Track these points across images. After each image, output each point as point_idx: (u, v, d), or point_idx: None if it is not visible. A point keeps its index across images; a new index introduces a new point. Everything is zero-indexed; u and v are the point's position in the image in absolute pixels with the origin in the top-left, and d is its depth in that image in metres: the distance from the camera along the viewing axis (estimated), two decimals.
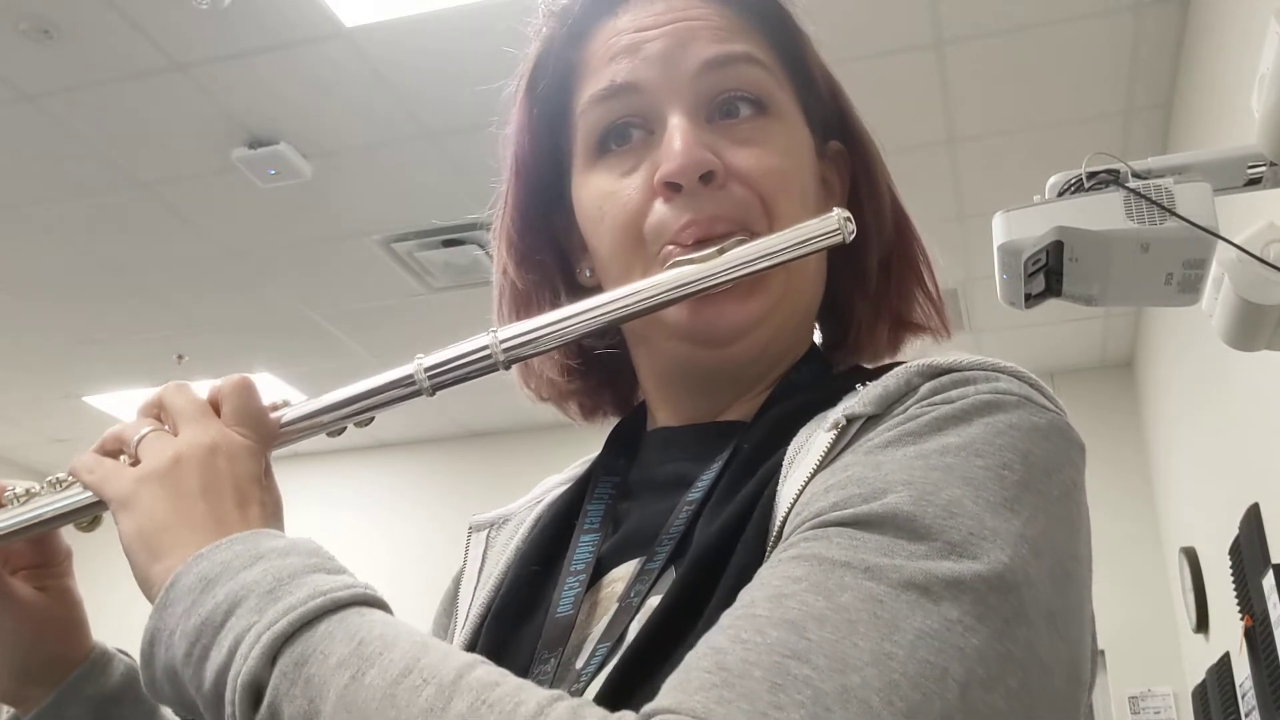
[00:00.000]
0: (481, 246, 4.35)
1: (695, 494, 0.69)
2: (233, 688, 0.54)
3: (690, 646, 0.53)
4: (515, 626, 0.72)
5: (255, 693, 0.54)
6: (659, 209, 0.72)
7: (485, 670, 0.53)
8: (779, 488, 0.62)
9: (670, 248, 0.71)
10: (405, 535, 6.29)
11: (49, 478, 0.72)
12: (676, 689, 0.50)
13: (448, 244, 4.39)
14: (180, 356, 5.31)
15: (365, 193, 4.12)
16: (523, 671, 0.66)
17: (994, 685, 0.51)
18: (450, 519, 5.93)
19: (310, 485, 6.12)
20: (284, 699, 0.53)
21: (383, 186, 4.08)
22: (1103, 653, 5.16)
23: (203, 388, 0.71)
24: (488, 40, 3.48)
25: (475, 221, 4.43)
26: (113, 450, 0.69)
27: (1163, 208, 1.43)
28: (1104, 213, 1.45)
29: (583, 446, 0.86)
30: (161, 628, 0.59)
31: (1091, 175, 1.48)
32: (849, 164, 0.81)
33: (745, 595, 0.54)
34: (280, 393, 0.74)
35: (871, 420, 0.62)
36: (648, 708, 0.49)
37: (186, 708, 0.59)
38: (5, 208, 4.13)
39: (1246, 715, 3.31)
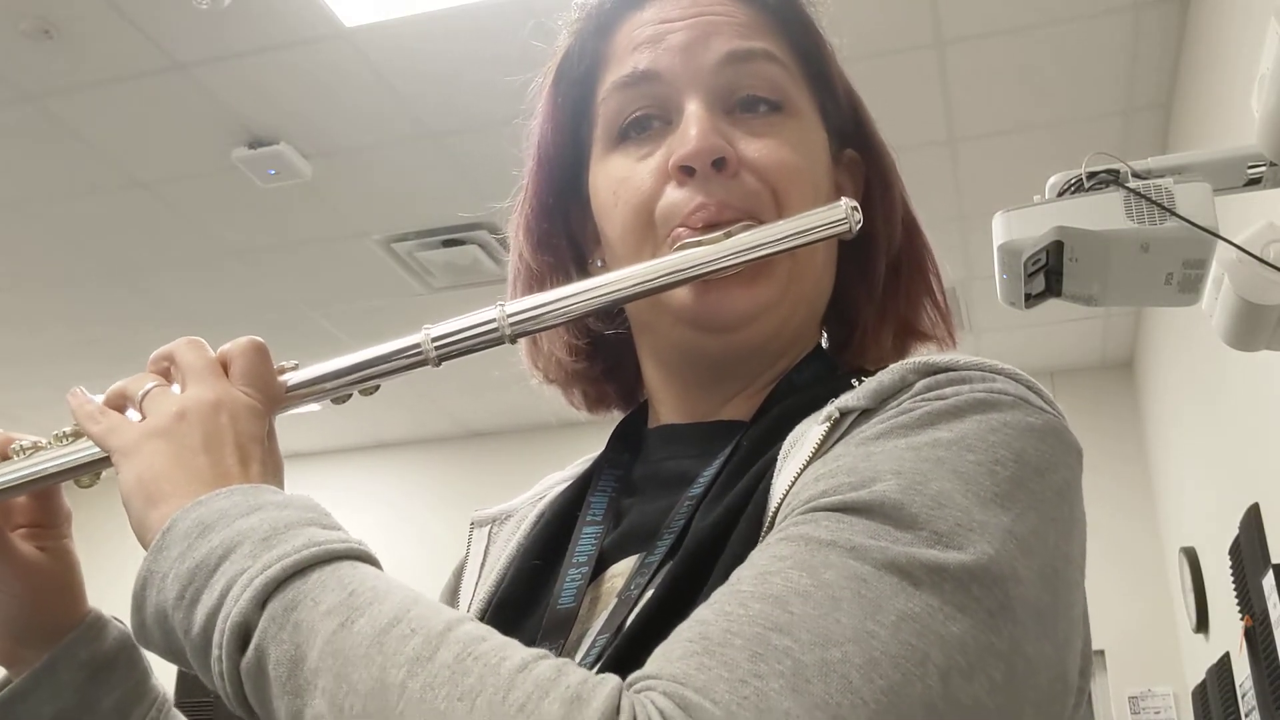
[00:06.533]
0: (482, 246, 4.35)
1: (696, 489, 0.69)
2: (221, 629, 0.54)
3: None
4: (517, 619, 0.73)
5: (243, 635, 0.54)
6: (671, 192, 0.73)
7: (474, 625, 0.53)
8: (773, 479, 0.62)
9: (680, 230, 0.72)
10: (405, 535, 6.28)
11: (55, 432, 0.72)
12: (660, 658, 0.51)
13: (448, 244, 4.39)
14: None
15: (365, 193, 4.11)
16: None
17: (975, 675, 0.51)
18: (450, 519, 5.92)
19: (310, 485, 6.11)
20: (271, 642, 0.53)
21: (383, 186, 4.07)
22: (1102, 653, 5.16)
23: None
24: (488, 41, 3.50)
25: (475, 221, 4.45)
26: (118, 405, 0.70)
27: (1163, 208, 1.43)
28: (1104, 213, 1.44)
29: (582, 446, 0.87)
30: (155, 570, 0.59)
31: (1091, 175, 1.48)
32: (864, 173, 0.82)
33: (734, 575, 0.55)
34: None
35: (865, 414, 0.62)
36: (633, 675, 0.50)
37: (174, 654, 0.59)
38: (6, 207, 4.13)
39: (1246, 715, 3.31)
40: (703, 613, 0.53)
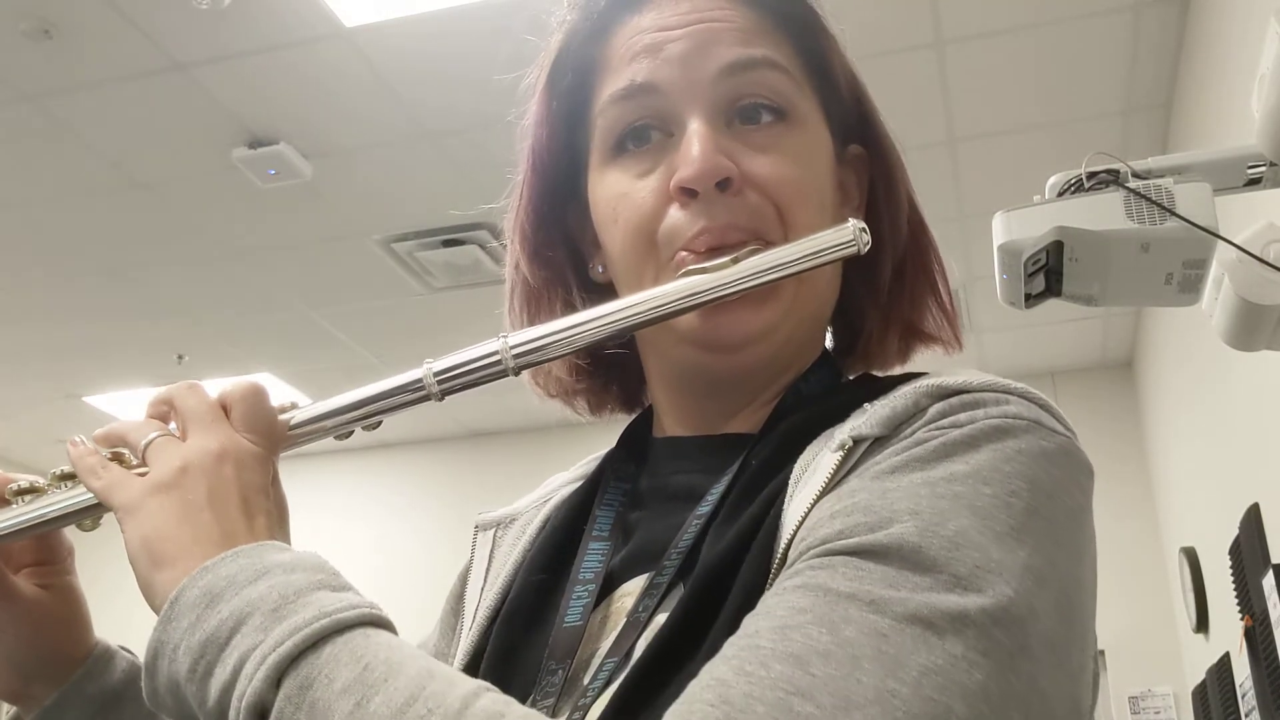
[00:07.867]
0: (482, 247, 4.35)
1: (704, 508, 0.68)
2: (236, 708, 0.54)
3: (695, 666, 0.53)
4: (523, 632, 0.72)
5: (260, 715, 0.54)
6: (673, 214, 0.71)
7: (490, 699, 0.52)
8: (784, 507, 0.61)
9: (683, 254, 0.70)
10: (406, 535, 6.29)
11: (54, 470, 0.72)
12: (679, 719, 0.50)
13: (448, 244, 4.39)
14: (180, 356, 5.31)
15: (365, 193, 4.11)
16: (530, 680, 0.66)
17: None
18: (451, 519, 5.92)
19: (311, 485, 6.12)
20: None
21: (383, 186, 4.07)
22: (1103, 653, 5.16)
23: (213, 388, 0.70)
24: (488, 40, 3.49)
25: (475, 221, 4.45)
26: (116, 446, 0.69)
27: (1163, 208, 1.43)
28: (1104, 213, 1.44)
29: (584, 447, 0.86)
30: (166, 641, 0.58)
31: (1091, 175, 1.48)
32: (868, 168, 0.81)
33: (750, 624, 0.54)
34: (280, 392, 0.74)
35: (878, 442, 0.61)
36: None
37: None
38: (5, 207, 4.13)
39: (1246, 715, 3.31)
40: (721, 670, 0.51)
